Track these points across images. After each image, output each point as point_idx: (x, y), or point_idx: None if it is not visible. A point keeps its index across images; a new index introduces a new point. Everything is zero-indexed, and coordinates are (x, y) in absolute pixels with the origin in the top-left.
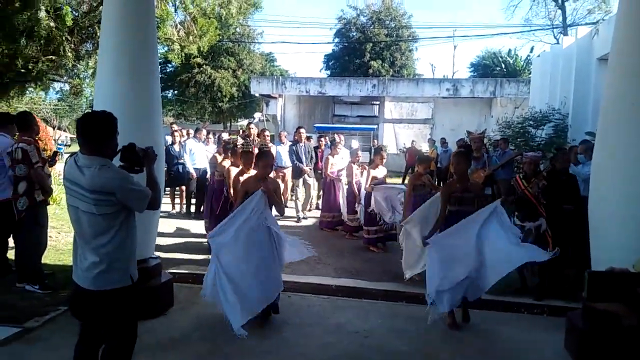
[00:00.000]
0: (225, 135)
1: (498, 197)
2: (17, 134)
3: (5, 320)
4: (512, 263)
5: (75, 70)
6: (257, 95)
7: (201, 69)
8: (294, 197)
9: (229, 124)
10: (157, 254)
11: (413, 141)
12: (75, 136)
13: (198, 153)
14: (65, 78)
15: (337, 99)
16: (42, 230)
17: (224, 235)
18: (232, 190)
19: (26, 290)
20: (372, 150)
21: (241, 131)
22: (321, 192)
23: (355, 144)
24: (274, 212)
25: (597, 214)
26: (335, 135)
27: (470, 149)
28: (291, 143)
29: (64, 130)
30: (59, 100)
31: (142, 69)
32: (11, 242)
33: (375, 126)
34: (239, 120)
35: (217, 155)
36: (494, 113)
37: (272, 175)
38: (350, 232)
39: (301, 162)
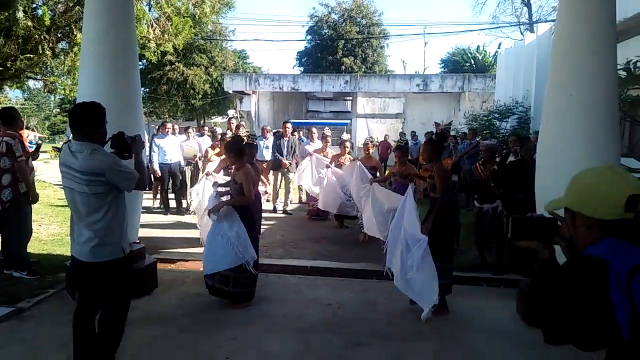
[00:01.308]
0: (219, 129)
1: (463, 183)
2: (2, 128)
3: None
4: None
5: (49, 68)
6: (230, 92)
7: (173, 66)
8: (272, 190)
9: (202, 121)
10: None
11: (386, 135)
12: (42, 135)
13: (168, 148)
14: (40, 76)
15: (311, 95)
16: (26, 219)
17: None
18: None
19: (14, 276)
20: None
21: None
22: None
23: (345, 135)
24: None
25: (542, 194)
26: (314, 129)
27: (443, 139)
28: (275, 137)
29: (32, 130)
30: (25, 100)
31: (124, 65)
32: None
33: (349, 121)
34: (212, 117)
35: (209, 149)
36: (463, 107)
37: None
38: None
39: (281, 155)
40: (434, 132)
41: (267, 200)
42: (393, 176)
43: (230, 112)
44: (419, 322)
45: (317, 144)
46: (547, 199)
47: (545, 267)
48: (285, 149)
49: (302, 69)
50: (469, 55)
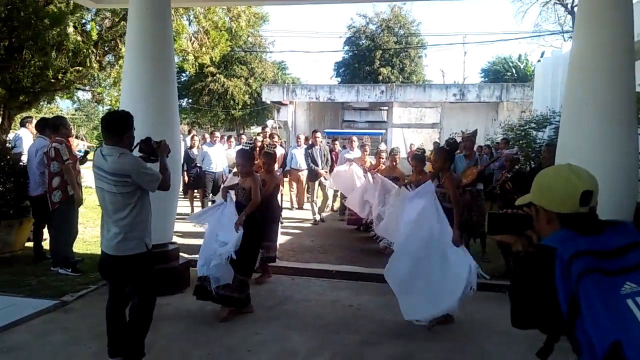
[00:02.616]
0: (259, 138)
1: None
2: (52, 136)
3: (45, 296)
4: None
5: (97, 80)
6: (268, 102)
7: (214, 77)
8: (310, 200)
9: (242, 131)
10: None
11: (411, 144)
12: (90, 144)
13: (215, 156)
14: (88, 87)
15: (346, 105)
16: (73, 220)
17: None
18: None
19: (60, 273)
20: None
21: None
22: (337, 194)
23: (382, 145)
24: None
25: None
26: (354, 137)
27: (454, 147)
28: (307, 146)
29: (81, 139)
30: (76, 110)
31: (162, 78)
32: (46, 232)
33: (384, 131)
34: (251, 127)
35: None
36: (500, 117)
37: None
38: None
39: (316, 165)
40: (453, 139)
41: (294, 208)
42: (407, 185)
43: (269, 123)
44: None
45: (356, 152)
46: None
47: (518, 259)
48: (319, 158)
49: (339, 79)
50: (510, 64)
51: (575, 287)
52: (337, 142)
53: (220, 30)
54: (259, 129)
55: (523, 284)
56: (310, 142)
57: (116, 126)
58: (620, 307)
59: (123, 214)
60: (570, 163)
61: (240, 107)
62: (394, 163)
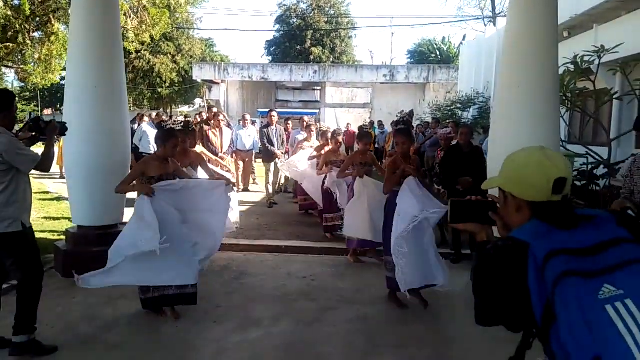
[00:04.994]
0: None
1: (423, 168)
2: None
3: None
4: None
5: (22, 57)
6: (199, 80)
7: (139, 54)
8: (265, 182)
9: (169, 110)
10: None
11: (348, 124)
12: None
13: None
14: (19, 64)
15: (280, 85)
16: None
17: None
18: None
19: None
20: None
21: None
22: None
23: (325, 126)
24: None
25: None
26: (305, 118)
27: (410, 125)
28: (262, 126)
29: None
30: None
31: (110, 53)
32: None
33: (317, 110)
34: (179, 106)
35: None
36: (428, 97)
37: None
38: (329, 232)
39: (272, 146)
40: (401, 120)
41: (240, 190)
42: (353, 166)
43: (197, 102)
44: (383, 290)
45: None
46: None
47: (482, 249)
48: (275, 139)
49: (270, 58)
50: (435, 46)
51: (551, 293)
52: (289, 123)
53: (160, 8)
54: (186, 108)
55: (490, 280)
56: (267, 121)
57: None
58: (600, 317)
59: None
60: (543, 146)
61: (167, 85)
62: (337, 145)
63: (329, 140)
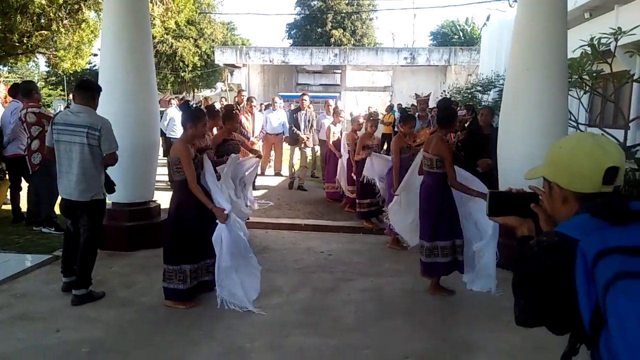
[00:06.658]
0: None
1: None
2: (24, 101)
3: (37, 252)
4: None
5: (54, 44)
6: (221, 64)
7: (162, 38)
8: (289, 165)
9: (191, 94)
10: None
11: (369, 107)
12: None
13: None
14: (51, 50)
15: (300, 68)
16: (53, 181)
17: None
18: None
19: (43, 232)
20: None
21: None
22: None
23: (356, 111)
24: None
25: (504, 162)
26: (331, 101)
27: (408, 114)
28: (292, 110)
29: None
30: (9, 73)
31: (140, 42)
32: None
33: (338, 94)
34: (202, 90)
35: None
36: (449, 80)
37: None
38: (348, 204)
39: (299, 129)
40: (414, 104)
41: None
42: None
43: (219, 85)
44: (396, 264)
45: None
46: (508, 168)
47: (524, 245)
48: (303, 123)
49: (291, 41)
50: (458, 28)
51: (602, 297)
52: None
53: None
54: (209, 92)
55: (533, 280)
56: (298, 105)
57: (91, 89)
58: None
59: (88, 164)
60: (593, 133)
61: (190, 69)
62: (372, 129)
63: (361, 125)
